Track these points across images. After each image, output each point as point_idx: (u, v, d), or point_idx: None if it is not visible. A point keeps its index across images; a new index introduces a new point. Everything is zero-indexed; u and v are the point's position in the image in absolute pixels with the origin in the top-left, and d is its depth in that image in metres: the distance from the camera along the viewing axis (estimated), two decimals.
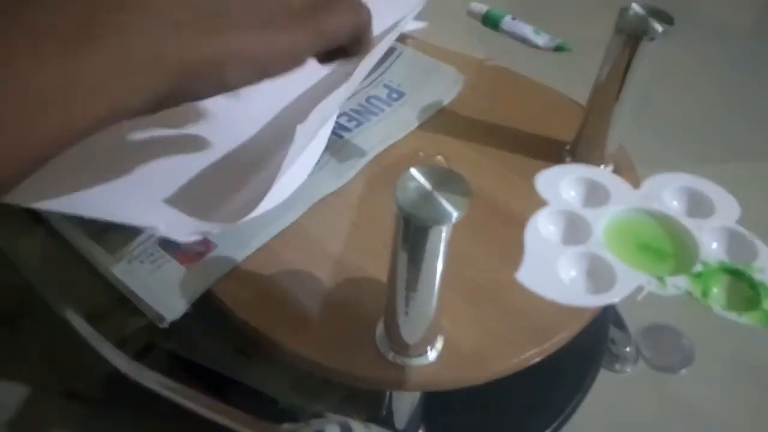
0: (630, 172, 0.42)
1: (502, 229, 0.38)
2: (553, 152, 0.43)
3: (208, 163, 0.32)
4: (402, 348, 0.32)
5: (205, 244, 0.36)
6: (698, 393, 0.39)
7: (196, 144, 0.33)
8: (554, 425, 0.41)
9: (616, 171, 0.42)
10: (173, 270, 0.35)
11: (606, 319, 0.46)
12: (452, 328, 0.33)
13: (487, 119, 0.46)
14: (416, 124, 0.45)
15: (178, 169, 0.30)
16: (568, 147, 0.43)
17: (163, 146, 0.31)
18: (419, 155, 0.44)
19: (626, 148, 0.43)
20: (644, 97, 0.37)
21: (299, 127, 0.26)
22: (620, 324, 0.49)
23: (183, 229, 0.27)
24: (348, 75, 0.29)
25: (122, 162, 0.29)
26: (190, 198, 0.29)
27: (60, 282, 0.41)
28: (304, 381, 0.38)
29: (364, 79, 0.48)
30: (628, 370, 0.47)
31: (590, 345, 0.46)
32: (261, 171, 0.32)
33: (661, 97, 0.81)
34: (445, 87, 0.48)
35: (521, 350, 0.33)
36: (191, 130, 0.34)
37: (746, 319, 0.20)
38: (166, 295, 0.34)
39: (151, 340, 0.43)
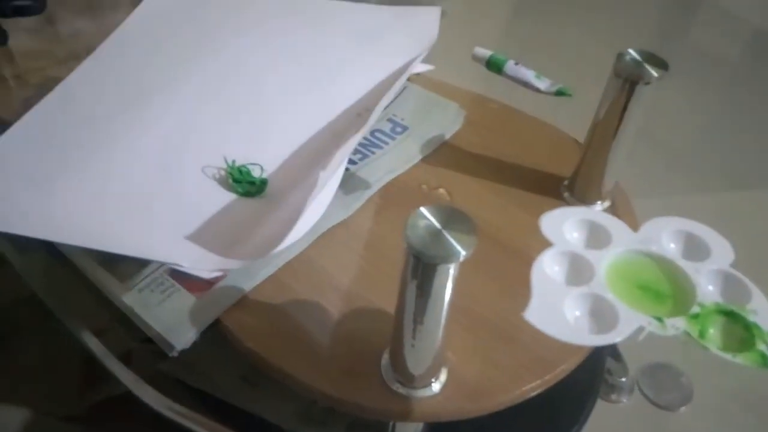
0: (626, 208, 0.43)
1: (504, 263, 0.39)
2: (551, 187, 0.45)
3: (229, 200, 0.33)
4: (407, 379, 0.32)
5: (215, 274, 0.36)
6: (696, 426, 0.39)
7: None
8: None
9: (612, 207, 0.43)
10: (183, 299, 0.36)
11: (603, 350, 0.47)
12: (456, 360, 0.34)
13: (488, 154, 0.48)
14: (419, 157, 0.47)
15: (200, 207, 0.31)
16: (566, 183, 0.44)
17: (183, 183, 0.32)
18: (422, 188, 0.45)
19: (622, 184, 0.44)
20: (639, 129, 0.38)
21: (322, 174, 0.27)
22: (616, 355, 0.50)
23: (206, 265, 0.28)
24: (360, 116, 0.30)
25: (144, 197, 0.30)
26: (212, 235, 0.30)
27: (61, 300, 0.41)
28: (309, 410, 0.39)
29: None
30: (624, 400, 0.48)
31: (588, 376, 0.47)
32: (282, 210, 0.33)
33: (655, 128, 0.83)
34: (447, 121, 0.50)
35: (523, 382, 0.33)
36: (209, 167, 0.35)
37: (741, 359, 0.21)
38: (176, 324, 0.35)
39: (156, 365, 0.43)
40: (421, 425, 0.38)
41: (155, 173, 0.31)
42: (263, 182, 0.38)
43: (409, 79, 0.53)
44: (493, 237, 0.41)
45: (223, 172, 0.38)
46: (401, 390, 0.33)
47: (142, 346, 0.40)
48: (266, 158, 0.37)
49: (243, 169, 0.38)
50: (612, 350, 0.49)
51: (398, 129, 0.49)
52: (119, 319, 0.39)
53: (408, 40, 0.42)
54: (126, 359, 0.42)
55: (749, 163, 0.83)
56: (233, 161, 0.37)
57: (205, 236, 0.30)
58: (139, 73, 0.39)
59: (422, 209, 0.27)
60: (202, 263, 0.28)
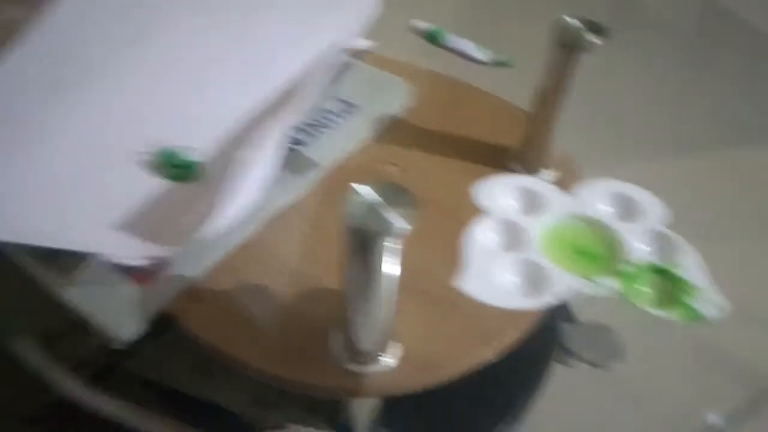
0: (573, 175, 0.43)
1: (452, 236, 0.39)
2: (501, 158, 0.45)
3: (156, 185, 0.32)
4: (358, 355, 0.32)
5: (161, 262, 0.36)
6: (644, 381, 0.41)
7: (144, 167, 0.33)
8: (511, 422, 0.42)
9: (560, 175, 0.43)
10: (128, 290, 0.35)
11: (556, 315, 0.48)
12: (407, 334, 0.34)
13: (438, 128, 0.48)
14: (369, 135, 0.46)
15: (125, 193, 0.31)
16: (514, 152, 0.44)
17: (108, 169, 0.31)
18: (372, 166, 0.45)
19: (569, 152, 0.45)
20: (588, 97, 0.38)
21: (241, 154, 0.27)
22: (570, 318, 0.51)
23: (131, 252, 0.27)
24: (295, 95, 0.30)
25: (66, 185, 0.29)
26: (138, 221, 0.29)
27: (7, 305, 0.40)
28: (263, 394, 0.39)
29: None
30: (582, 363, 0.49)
31: (542, 341, 0.48)
32: (214, 194, 0.32)
33: (606, 95, 0.84)
34: (396, 98, 0.49)
35: (475, 351, 0.34)
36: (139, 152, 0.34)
37: (672, 314, 0.21)
38: (120, 316, 0.34)
39: (110, 361, 0.43)
40: (376, 401, 0.38)
41: (79, 160, 0.30)
42: (195, 165, 0.37)
43: (356, 57, 0.52)
44: (443, 210, 0.41)
45: (150, 157, 0.37)
46: (353, 367, 0.33)
47: (93, 340, 0.40)
48: (200, 141, 0.36)
49: (172, 152, 0.37)
50: (566, 314, 0.50)
51: (346, 108, 0.48)
52: (74, 323, 0.38)
53: (347, 15, 0.42)
54: (82, 363, 0.41)
55: (697, 128, 0.85)
56: (162, 145, 0.36)
57: (130, 223, 0.29)
58: (65, 59, 0.37)
59: (361, 186, 0.27)
60: (125, 251, 0.27)
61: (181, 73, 0.37)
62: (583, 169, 0.44)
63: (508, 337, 0.34)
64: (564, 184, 0.43)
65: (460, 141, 0.47)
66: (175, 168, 0.36)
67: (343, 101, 0.49)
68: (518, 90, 0.48)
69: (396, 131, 0.47)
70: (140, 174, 0.32)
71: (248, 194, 0.35)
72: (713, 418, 0.28)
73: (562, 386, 0.42)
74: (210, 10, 0.42)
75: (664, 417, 0.40)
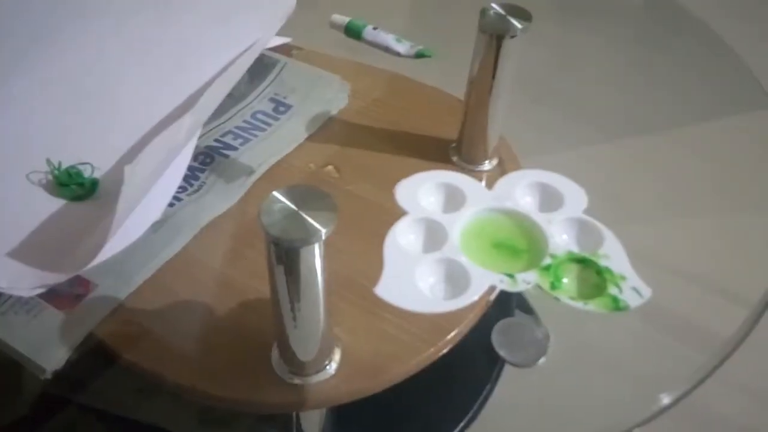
0: (513, 164, 0.43)
1: (378, 237, 0.38)
2: (440, 151, 0.44)
3: (57, 207, 0.30)
4: (298, 367, 0.31)
5: (84, 285, 0.34)
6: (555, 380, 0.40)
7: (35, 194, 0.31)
8: (465, 419, 0.42)
9: (500, 164, 0.43)
10: (51, 317, 0.33)
11: (509, 305, 0.47)
12: (348, 339, 0.33)
13: (376, 124, 0.47)
14: (305, 136, 0.45)
15: (17, 221, 0.29)
16: (453, 145, 0.44)
17: (4, 193, 0.29)
18: (310, 167, 0.43)
19: (515, 141, 0.44)
20: (540, 82, 0.38)
21: (126, 168, 0.25)
22: (528, 309, 0.50)
23: (26, 282, 0.25)
24: (193, 104, 0.28)
25: None
26: (35, 247, 0.28)
27: None
28: (209, 412, 0.37)
29: (247, 95, 0.47)
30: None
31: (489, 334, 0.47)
32: (101, 215, 0.30)
33: (558, 80, 0.84)
34: (331, 96, 0.48)
35: (417, 352, 0.33)
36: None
37: (593, 305, 0.21)
38: (45, 345, 0.32)
39: (45, 389, 0.41)
40: (324, 410, 0.37)
41: None
42: (93, 183, 0.36)
43: (288, 55, 0.51)
44: (380, 210, 0.40)
45: (50, 177, 0.35)
46: (294, 379, 0.31)
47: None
48: (100, 156, 0.34)
49: (71, 170, 0.35)
50: (521, 304, 0.50)
51: (281, 108, 0.47)
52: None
53: (262, 14, 0.40)
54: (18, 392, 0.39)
55: (644, 110, 0.86)
56: (59, 163, 0.34)
57: (26, 250, 0.27)
58: None
59: (275, 192, 0.26)
60: (21, 281, 0.25)
61: (79, 86, 0.35)
62: (522, 157, 0.44)
63: (452, 335, 0.33)
64: (504, 173, 0.43)
65: (398, 136, 0.46)
66: (79, 186, 0.34)
67: (276, 101, 0.47)
68: (459, 80, 0.48)
69: (332, 130, 0.46)
70: (36, 197, 0.30)
71: (152, 209, 0.33)
72: (666, 398, 0.28)
73: (520, 381, 0.41)
74: (118, 14, 0.40)
75: (617, 403, 0.40)
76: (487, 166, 0.43)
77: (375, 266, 0.36)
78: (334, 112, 0.47)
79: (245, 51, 0.32)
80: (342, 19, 0.36)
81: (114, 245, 0.28)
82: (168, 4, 0.41)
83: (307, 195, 0.25)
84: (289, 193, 0.25)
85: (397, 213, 0.39)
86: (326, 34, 0.47)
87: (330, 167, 0.43)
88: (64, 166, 0.35)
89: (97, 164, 0.35)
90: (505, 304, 0.37)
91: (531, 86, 0.36)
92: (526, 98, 0.38)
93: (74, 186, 0.34)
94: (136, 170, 0.26)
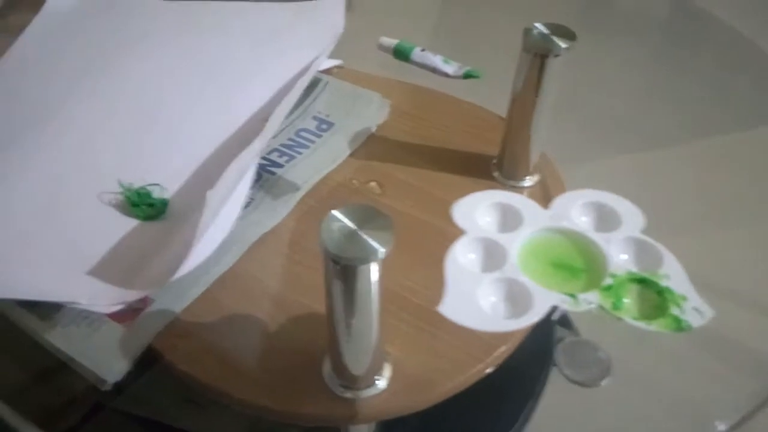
0: (555, 180, 0.43)
1: (436, 252, 0.38)
2: (481, 168, 0.44)
3: (129, 227, 0.32)
4: (350, 381, 0.32)
5: (142, 300, 0.35)
6: (620, 400, 0.40)
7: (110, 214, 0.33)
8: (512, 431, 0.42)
9: (541, 181, 0.43)
10: (110, 330, 0.34)
11: (550, 321, 0.47)
12: (398, 354, 0.33)
13: (416, 141, 0.47)
14: (347, 152, 0.46)
15: (95, 237, 0.30)
16: (494, 161, 0.44)
17: (75, 213, 0.30)
18: (353, 184, 0.44)
19: (551, 154, 0.45)
20: (567, 96, 0.38)
21: (208, 193, 0.26)
22: (567, 324, 0.50)
23: (104, 300, 0.26)
24: (266, 122, 0.29)
25: (33, 233, 0.28)
26: (110, 266, 0.29)
27: None
28: (258, 424, 0.38)
29: (291, 113, 0.48)
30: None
31: (538, 348, 0.47)
32: (183, 231, 0.31)
33: (584, 93, 0.84)
34: (372, 113, 0.49)
35: (467, 368, 0.33)
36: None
37: (656, 326, 0.21)
38: (105, 357, 0.33)
39: (99, 399, 0.42)
40: (373, 425, 0.38)
41: (45, 206, 0.30)
42: (163, 203, 0.37)
43: (329, 74, 0.52)
44: (425, 226, 0.40)
45: (120, 197, 0.36)
46: (345, 393, 0.32)
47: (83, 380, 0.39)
48: (167, 177, 0.36)
49: (141, 191, 0.36)
50: (562, 320, 0.50)
51: (323, 126, 0.48)
52: (37, 376, 0.37)
53: (312, 37, 0.41)
54: (72, 402, 0.40)
55: (673, 123, 0.85)
56: (130, 184, 0.36)
57: (102, 268, 0.28)
58: (27, 98, 0.36)
59: (335, 212, 0.26)
60: (99, 298, 0.26)
61: (141, 108, 0.37)
62: (562, 173, 0.44)
63: (501, 351, 0.34)
64: (546, 189, 0.43)
65: (439, 152, 0.46)
66: (150, 207, 0.36)
67: (318, 119, 0.48)
68: (496, 97, 0.48)
69: (374, 146, 0.47)
70: (109, 216, 0.31)
71: (220, 230, 0.34)
72: (721, 425, 0.28)
73: (564, 392, 0.41)
74: (176, 38, 0.41)
75: (668, 427, 0.39)
76: (528, 182, 0.43)
77: (423, 282, 0.37)
78: (374, 128, 0.48)
79: (300, 73, 0.33)
80: (390, 41, 0.37)
81: (189, 264, 0.29)
82: (223, 29, 0.43)
83: (366, 214, 0.26)
84: (348, 212, 0.26)
85: (442, 228, 0.40)
86: (363, 50, 0.48)
87: (373, 183, 0.44)
88: (134, 186, 0.36)
89: (166, 185, 0.36)
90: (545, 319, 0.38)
91: (560, 102, 0.37)
92: (556, 114, 0.38)
93: (145, 206, 0.36)
94: (215, 194, 0.27)
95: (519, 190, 0.41)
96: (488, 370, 0.34)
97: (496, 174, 0.44)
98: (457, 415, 0.39)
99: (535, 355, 0.46)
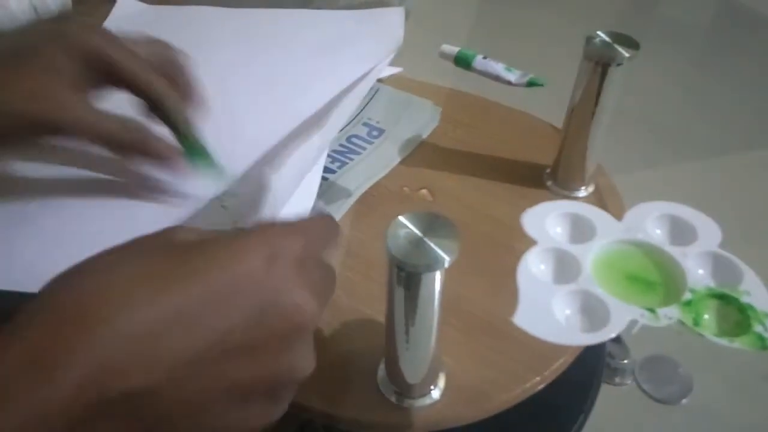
0: (611, 191, 0.42)
1: (493, 261, 0.38)
2: (534, 177, 0.44)
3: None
4: (405, 389, 0.32)
5: None
6: (699, 418, 0.39)
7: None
8: None
9: (597, 191, 0.42)
10: None
11: None
12: (453, 365, 0.33)
13: (467, 149, 0.47)
14: (398, 159, 0.46)
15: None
16: (548, 171, 0.44)
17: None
18: (404, 191, 0.44)
19: (605, 164, 0.44)
20: (617, 106, 0.38)
21: (273, 176, 0.26)
22: (617, 338, 0.49)
23: None
24: (320, 125, 0.30)
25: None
26: None
27: None
28: (307, 429, 0.38)
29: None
30: (629, 382, 0.47)
31: (589, 362, 0.46)
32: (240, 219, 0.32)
33: (632, 102, 0.83)
34: (423, 120, 0.49)
35: (522, 381, 0.33)
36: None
37: (738, 343, 0.20)
38: None
39: None
40: None
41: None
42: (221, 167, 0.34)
43: (380, 81, 0.52)
44: (480, 235, 0.40)
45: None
46: (400, 401, 0.32)
47: None
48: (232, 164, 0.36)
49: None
50: None
51: (374, 132, 0.48)
52: None
53: (373, 45, 0.42)
54: None
55: (724, 130, 0.83)
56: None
57: None
58: None
59: (401, 218, 0.26)
60: None
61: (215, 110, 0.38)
62: (616, 182, 0.43)
63: (558, 365, 0.33)
64: (601, 200, 0.42)
65: (490, 161, 0.46)
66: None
67: (370, 125, 0.48)
68: (542, 106, 0.48)
69: (424, 154, 0.47)
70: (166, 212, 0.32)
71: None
72: None
73: (613, 407, 0.40)
74: (236, 50, 0.42)
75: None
76: (583, 192, 0.43)
77: (481, 293, 0.36)
78: (425, 136, 0.48)
79: (359, 81, 0.33)
80: (452, 49, 0.37)
81: None
82: (284, 37, 0.43)
83: (432, 221, 0.26)
84: (414, 219, 0.26)
85: (497, 237, 0.40)
86: (416, 57, 0.48)
87: (424, 191, 0.44)
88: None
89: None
90: None
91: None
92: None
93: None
94: (277, 176, 0.27)
95: (574, 200, 0.41)
96: (544, 384, 0.33)
97: (549, 183, 0.43)
98: (510, 426, 0.38)
99: (587, 368, 0.45)
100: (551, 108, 0.47)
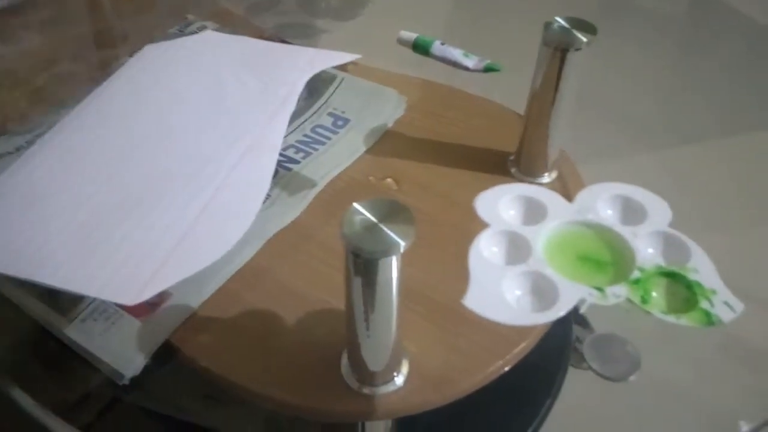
0: (574, 177, 0.43)
1: (455, 247, 0.38)
2: (498, 164, 0.44)
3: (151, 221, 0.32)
4: (367, 377, 0.32)
5: (159, 294, 0.35)
6: (646, 395, 0.39)
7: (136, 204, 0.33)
8: (532, 426, 0.42)
9: (560, 177, 0.43)
10: (128, 325, 0.34)
11: (568, 318, 0.47)
12: (416, 351, 0.33)
13: (433, 137, 0.47)
14: (364, 149, 0.46)
15: (118, 231, 0.30)
16: (512, 158, 0.44)
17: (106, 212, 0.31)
18: (369, 180, 0.44)
19: (569, 151, 0.44)
20: (582, 93, 0.38)
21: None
22: (583, 322, 0.50)
23: (129, 293, 0.27)
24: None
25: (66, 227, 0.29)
26: (132, 259, 0.29)
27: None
28: (275, 419, 0.38)
29: (309, 109, 0.48)
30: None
31: (556, 346, 0.47)
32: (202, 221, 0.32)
33: (600, 90, 0.83)
34: (388, 109, 0.49)
35: (486, 365, 0.33)
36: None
37: (685, 320, 0.20)
38: (122, 351, 0.33)
39: (116, 394, 0.42)
40: (390, 422, 0.37)
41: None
42: None
43: (345, 70, 0.52)
44: (444, 222, 0.40)
45: None
46: (363, 389, 0.32)
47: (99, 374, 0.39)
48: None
49: None
50: (578, 317, 0.49)
51: (339, 122, 0.48)
52: (48, 367, 0.37)
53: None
54: (87, 397, 0.40)
55: (696, 119, 0.84)
56: None
57: (125, 262, 0.29)
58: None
59: (356, 204, 0.26)
60: (124, 291, 0.27)
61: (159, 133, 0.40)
62: (579, 169, 0.43)
63: (521, 348, 0.33)
64: (565, 186, 0.42)
65: (455, 149, 0.46)
66: None
67: (334, 115, 0.48)
68: (510, 93, 0.48)
69: (390, 143, 0.47)
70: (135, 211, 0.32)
71: (240, 222, 0.34)
72: (745, 426, 0.27)
73: (581, 391, 0.41)
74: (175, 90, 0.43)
75: (690, 427, 0.39)
76: (546, 178, 0.43)
77: (441, 278, 0.36)
78: (390, 124, 0.48)
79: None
80: (410, 35, 0.37)
81: (212, 253, 0.30)
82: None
83: (387, 208, 0.26)
84: (370, 206, 0.26)
85: (460, 223, 0.40)
86: (379, 47, 0.48)
87: (389, 180, 0.44)
88: None
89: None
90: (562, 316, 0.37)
91: (579, 99, 0.36)
92: (577, 112, 0.38)
93: None
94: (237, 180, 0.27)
95: (532, 184, 0.41)
96: (507, 367, 0.33)
97: (513, 170, 0.43)
98: (476, 412, 0.38)
99: (553, 352, 0.45)
100: (519, 96, 0.47)
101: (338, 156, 0.45)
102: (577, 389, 0.46)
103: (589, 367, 0.31)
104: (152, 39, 0.51)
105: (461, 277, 0.36)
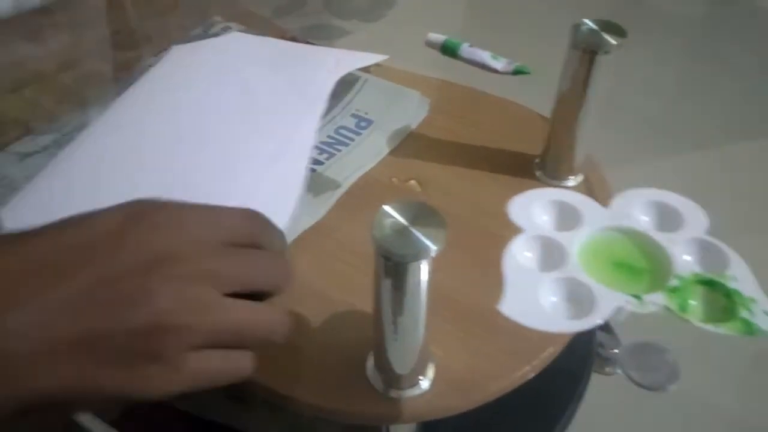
0: (599, 180, 0.42)
1: (481, 251, 0.38)
2: (523, 167, 0.44)
3: None
4: (394, 380, 0.32)
5: None
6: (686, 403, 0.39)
7: None
8: (556, 429, 0.41)
9: (585, 180, 0.42)
10: None
11: None
12: (443, 355, 0.33)
13: (456, 139, 0.47)
14: (387, 150, 0.46)
15: None
16: (537, 161, 0.43)
17: None
18: (393, 181, 0.44)
19: (594, 154, 0.44)
20: (607, 96, 0.37)
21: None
22: (607, 327, 0.49)
23: None
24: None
25: None
26: None
27: None
28: (298, 420, 0.38)
29: (332, 110, 0.48)
30: (619, 371, 0.47)
31: (579, 351, 0.46)
32: None
33: (623, 93, 0.83)
34: (411, 111, 0.48)
35: (512, 370, 0.33)
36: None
37: (724, 329, 0.20)
38: None
39: None
40: (414, 425, 0.37)
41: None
42: None
43: (369, 72, 0.52)
44: (469, 225, 0.40)
45: None
46: (389, 392, 0.32)
47: None
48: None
49: None
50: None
51: (363, 123, 0.48)
52: None
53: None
54: None
55: (718, 121, 0.83)
56: None
57: None
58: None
59: (387, 207, 0.26)
60: None
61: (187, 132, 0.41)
62: (606, 172, 0.43)
63: (548, 353, 0.33)
64: (591, 190, 0.42)
65: (479, 151, 0.46)
66: None
67: (357, 117, 0.48)
68: (534, 96, 0.47)
69: (413, 144, 0.46)
70: None
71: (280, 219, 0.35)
72: None
73: (603, 397, 0.40)
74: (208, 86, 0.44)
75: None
76: (572, 182, 0.42)
77: (469, 283, 0.36)
78: (414, 126, 0.48)
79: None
80: (438, 37, 0.37)
81: None
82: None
83: (417, 210, 0.26)
84: (399, 208, 0.26)
85: (486, 226, 0.39)
86: (403, 48, 0.48)
87: (413, 182, 0.44)
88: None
89: None
90: None
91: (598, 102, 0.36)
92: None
93: None
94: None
95: (562, 189, 0.41)
96: (534, 373, 0.33)
97: (538, 173, 0.43)
98: (498, 415, 0.38)
99: (577, 357, 0.45)
100: (542, 98, 0.46)
101: (362, 157, 0.45)
102: (600, 394, 0.46)
103: (627, 376, 0.30)
104: (176, 40, 0.51)
105: (490, 281, 0.36)
